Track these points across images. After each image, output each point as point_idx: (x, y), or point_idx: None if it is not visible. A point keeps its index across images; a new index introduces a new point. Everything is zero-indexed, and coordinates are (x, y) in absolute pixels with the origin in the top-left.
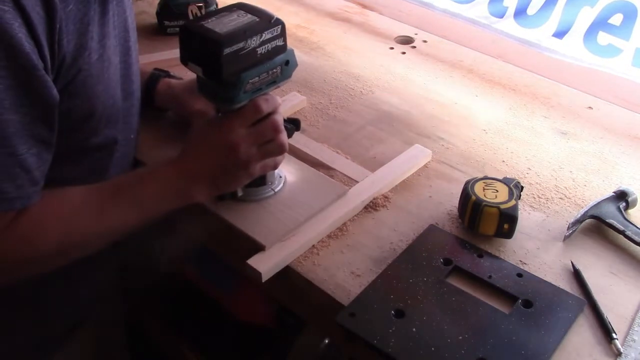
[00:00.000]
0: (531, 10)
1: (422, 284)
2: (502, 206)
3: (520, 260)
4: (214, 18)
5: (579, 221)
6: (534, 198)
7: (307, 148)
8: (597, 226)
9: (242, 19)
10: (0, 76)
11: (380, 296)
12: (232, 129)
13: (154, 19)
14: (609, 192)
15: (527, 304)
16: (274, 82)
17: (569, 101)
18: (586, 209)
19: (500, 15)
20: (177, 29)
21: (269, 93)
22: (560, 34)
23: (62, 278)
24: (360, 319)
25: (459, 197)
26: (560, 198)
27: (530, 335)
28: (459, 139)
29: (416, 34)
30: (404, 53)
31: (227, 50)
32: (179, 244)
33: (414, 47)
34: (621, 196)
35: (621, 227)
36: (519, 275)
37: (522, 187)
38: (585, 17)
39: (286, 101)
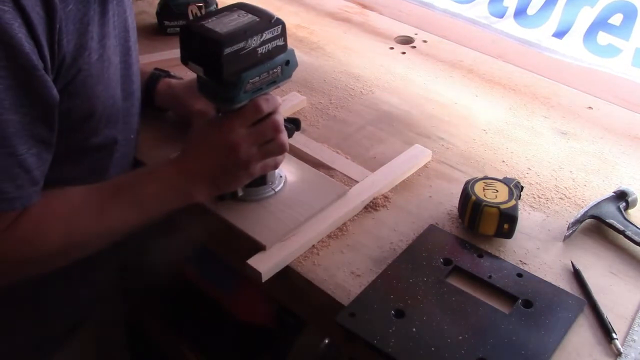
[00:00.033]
0: (531, 10)
1: (422, 284)
2: (502, 206)
3: (520, 260)
4: (214, 18)
5: (579, 221)
6: (534, 198)
7: (307, 148)
8: (597, 226)
9: (243, 19)
10: (0, 76)
11: (380, 296)
12: (232, 129)
13: (154, 19)
14: (609, 192)
15: (527, 304)
16: (275, 82)
17: (569, 101)
18: (586, 209)
19: (500, 15)
20: (177, 29)
21: (270, 93)
22: (560, 34)
23: (62, 278)
24: (360, 319)
25: (459, 197)
26: (560, 198)
27: (530, 335)
28: (459, 139)
29: (416, 34)
30: (404, 53)
31: (227, 50)
32: (179, 244)
33: (414, 47)
34: (621, 196)
35: (621, 227)
36: (519, 275)
37: (522, 187)
38: (585, 17)
39: (286, 101)
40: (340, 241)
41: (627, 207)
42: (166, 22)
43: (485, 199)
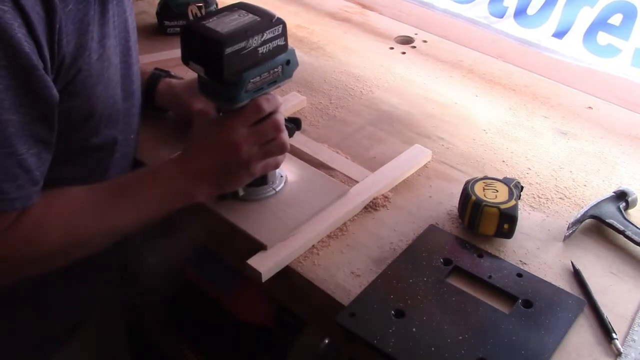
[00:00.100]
0: (531, 10)
1: (422, 284)
2: (502, 206)
3: (520, 260)
4: (215, 18)
5: (579, 221)
6: (534, 198)
7: (307, 148)
8: (597, 226)
9: (244, 19)
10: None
11: (380, 296)
12: (233, 129)
13: (154, 19)
14: (609, 192)
15: (527, 304)
16: (275, 81)
17: (569, 101)
18: (586, 209)
19: (500, 15)
20: (177, 29)
21: (270, 92)
22: (560, 34)
23: (62, 278)
24: (360, 319)
25: (459, 197)
26: (560, 198)
27: (530, 335)
28: (459, 139)
29: (416, 34)
30: (404, 53)
31: (228, 50)
32: (179, 244)
33: (414, 47)
34: (621, 196)
35: (621, 227)
36: (519, 275)
37: (522, 187)
38: (585, 17)
39: (286, 101)
40: (340, 241)
41: (627, 207)
42: (166, 22)
43: (485, 199)
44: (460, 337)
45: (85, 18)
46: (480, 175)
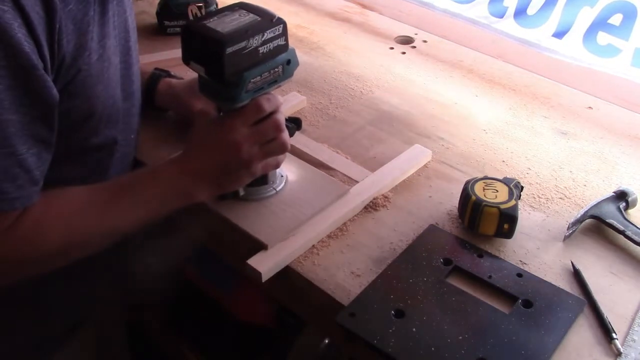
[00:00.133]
0: (531, 10)
1: (422, 284)
2: (502, 206)
3: (520, 260)
4: (215, 17)
5: (579, 221)
6: (534, 198)
7: (307, 148)
8: (597, 226)
9: (244, 19)
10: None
11: (380, 296)
12: (234, 128)
13: (154, 19)
14: (609, 192)
15: (527, 304)
16: (276, 81)
17: (569, 101)
18: (586, 209)
19: (500, 15)
20: (177, 29)
21: (271, 92)
22: (559, 34)
23: (62, 278)
24: (360, 319)
25: (459, 197)
26: (560, 198)
27: (530, 335)
28: (459, 139)
29: (416, 34)
30: (404, 53)
31: (229, 50)
32: (179, 244)
33: (414, 47)
34: (621, 196)
35: (621, 227)
36: (519, 275)
37: (522, 187)
38: (585, 17)
39: (286, 101)
40: (340, 241)
41: (627, 207)
42: (166, 22)
43: (485, 199)
44: (460, 337)
45: (85, 18)
46: (480, 175)
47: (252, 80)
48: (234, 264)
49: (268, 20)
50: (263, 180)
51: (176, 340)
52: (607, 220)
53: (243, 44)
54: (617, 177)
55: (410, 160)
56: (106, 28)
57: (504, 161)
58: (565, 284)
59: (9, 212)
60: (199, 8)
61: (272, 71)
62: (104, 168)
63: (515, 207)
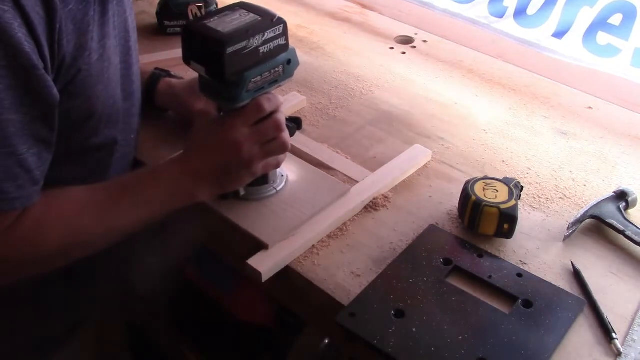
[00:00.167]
0: (531, 10)
1: (422, 284)
2: (502, 206)
3: (520, 260)
4: (216, 17)
5: (579, 221)
6: (534, 198)
7: (307, 148)
8: (597, 226)
9: (245, 18)
10: (0, 76)
11: (380, 296)
12: (234, 128)
13: (154, 19)
14: (609, 192)
15: (527, 304)
16: (276, 81)
17: (569, 101)
18: (586, 209)
19: (500, 15)
20: (177, 29)
21: (271, 92)
22: (559, 34)
23: (62, 278)
24: (360, 319)
25: (459, 197)
26: (560, 198)
27: (530, 335)
28: (459, 139)
29: (416, 34)
30: (404, 53)
31: (230, 50)
32: (179, 244)
33: (414, 47)
34: (621, 196)
35: (621, 227)
36: (519, 275)
37: (522, 187)
38: (585, 17)
39: (286, 101)
40: (340, 241)
41: (627, 207)
42: (166, 22)
43: (485, 199)
44: (460, 337)
45: (86, 18)
46: (480, 175)
47: (252, 80)
48: (234, 264)
49: (268, 20)
50: (264, 180)
51: (176, 340)
52: (607, 220)
53: (244, 43)
54: (617, 177)
55: (410, 160)
56: (106, 28)
57: (504, 161)
58: (565, 284)
59: (9, 212)
60: (199, 8)
61: (272, 71)
62: (104, 168)
63: (515, 207)
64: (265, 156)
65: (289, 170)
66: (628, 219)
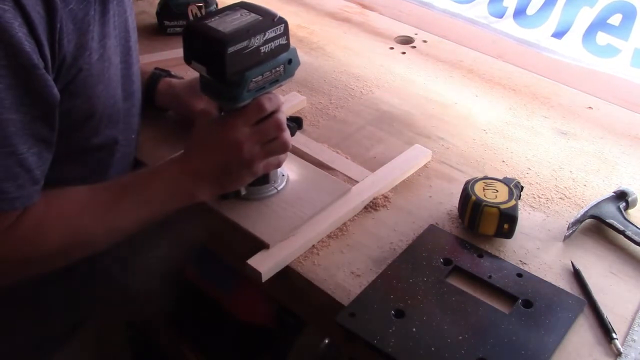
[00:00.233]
0: (531, 11)
1: (422, 284)
2: (502, 206)
3: (520, 260)
4: (217, 17)
5: (579, 221)
6: (534, 198)
7: (307, 148)
8: (597, 226)
9: (245, 18)
10: (0, 75)
11: (380, 296)
12: (235, 128)
13: (154, 19)
14: (609, 192)
15: (527, 304)
16: (277, 80)
17: (569, 101)
18: (586, 209)
19: (500, 15)
20: (177, 29)
21: (272, 92)
22: (559, 34)
23: (62, 278)
24: (360, 319)
25: (459, 197)
26: (560, 198)
27: (530, 335)
28: (459, 139)
29: (416, 34)
30: (404, 53)
31: (231, 49)
32: (179, 244)
33: (414, 47)
34: (621, 196)
35: (621, 227)
36: (519, 275)
37: (522, 187)
38: (585, 17)
39: (286, 101)
40: (340, 241)
41: (627, 207)
42: (166, 22)
43: (485, 199)
44: (460, 337)
45: (86, 18)
46: (480, 175)
47: (253, 79)
48: (234, 264)
49: (269, 19)
50: (264, 179)
51: (176, 340)
52: (607, 220)
53: (244, 43)
54: (617, 177)
55: (410, 160)
56: (107, 28)
57: (504, 161)
58: (565, 284)
59: (10, 212)
60: (199, 8)
61: (273, 70)
62: (104, 168)
63: (515, 207)
64: (266, 156)
65: (289, 170)
66: (628, 219)
